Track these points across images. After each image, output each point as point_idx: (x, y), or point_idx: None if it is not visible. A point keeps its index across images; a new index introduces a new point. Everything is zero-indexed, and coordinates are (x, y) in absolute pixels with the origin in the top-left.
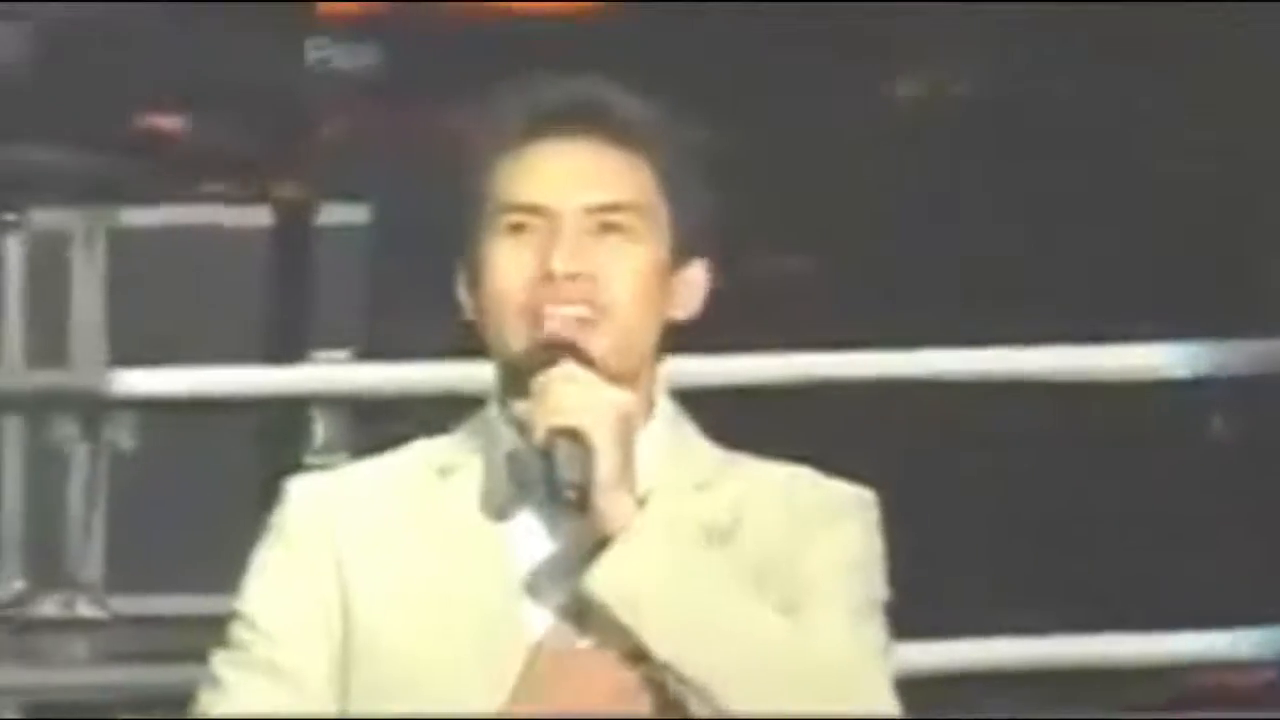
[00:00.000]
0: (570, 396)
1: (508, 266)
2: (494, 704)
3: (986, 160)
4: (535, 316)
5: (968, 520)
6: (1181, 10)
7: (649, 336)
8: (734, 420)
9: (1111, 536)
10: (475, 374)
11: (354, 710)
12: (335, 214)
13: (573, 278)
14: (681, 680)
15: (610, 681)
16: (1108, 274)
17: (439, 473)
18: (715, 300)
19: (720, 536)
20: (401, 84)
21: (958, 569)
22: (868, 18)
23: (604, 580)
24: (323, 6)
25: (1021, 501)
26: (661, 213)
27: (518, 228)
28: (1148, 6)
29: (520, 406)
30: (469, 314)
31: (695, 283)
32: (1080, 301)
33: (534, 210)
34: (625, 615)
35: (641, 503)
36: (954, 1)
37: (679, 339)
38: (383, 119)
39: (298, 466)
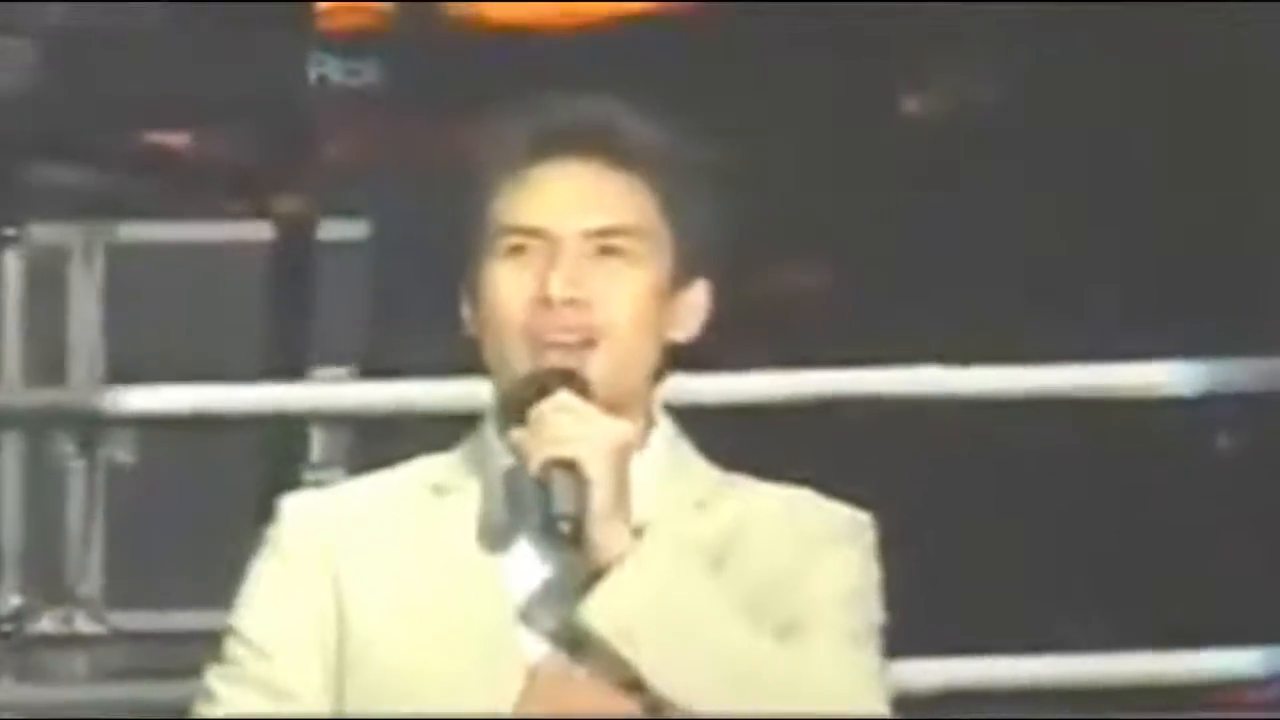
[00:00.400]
0: (566, 427)
1: (507, 289)
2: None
3: (995, 175)
4: (533, 340)
5: (972, 538)
6: (1197, 16)
7: (647, 360)
8: (744, 439)
9: (1117, 553)
10: (475, 391)
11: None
12: (335, 230)
13: (570, 303)
14: (678, 710)
15: (605, 709)
16: (1116, 289)
17: (436, 491)
18: (722, 317)
19: (717, 558)
20: (403, 99)
21: (966, 585)
22: (881, 28)
23: (599, 611)
24: (323, 20)
25: (1030, 517)
26: (663, 235)
27: (517, 250)
28: (1164, 14)
29: (516, 435)
30: (471, 330)
31: (696, 304)
32: (1091, 317)
33: (533, 233)
34: (621, 646)
35: (638, 532)
36: (969, 2)
37: (688, 355)
38: (384, 134)
39: (296, 483)
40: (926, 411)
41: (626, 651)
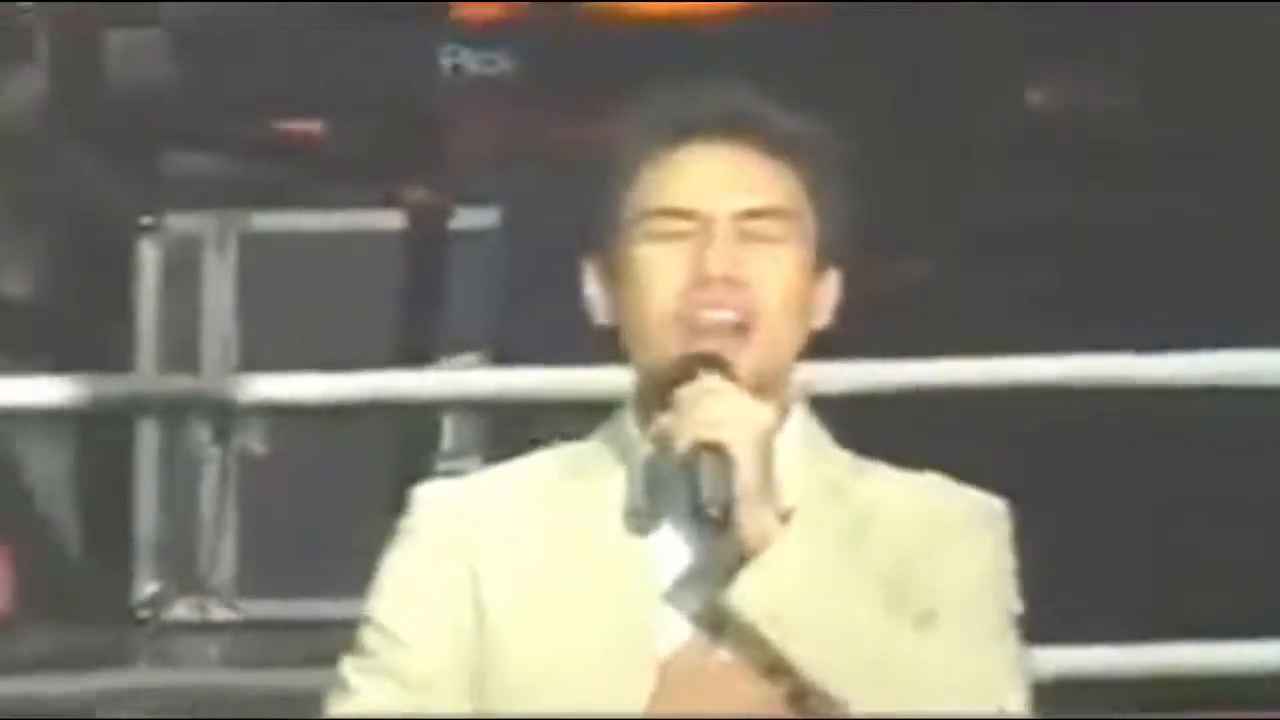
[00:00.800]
0: (715, 410)
1: (658, 272)
2: (624, 713)
3: (1114, 170)
4: (687, 323)
5: (1072, 526)
6: None
7: (793, 345)
8: (858, 426)
9: (1210, 543)
10: (608, 379)
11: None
12: (467, 218)
13: (728, 281)
14: (825, 695)
15: (748, 695)
16: (1229, 281)
17: (571, 479)
18: (848, 306)
19: (854, 546)
20: (535, 89)
21: (1062, 575)
22: (1007, 22)
23: (749, 596)
24: (458, 11)
25: (1137, 505)
26: (807, 221)
27: (668, 232)
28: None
29: (663, 419)
30: (600, 317)
31: (830, 292)
32: (1203, 309)
33: (686, 215)
34: (770, 631)
35: (783, 517)
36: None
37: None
38: (517, 124)
39: (428, 472)
40: (1032, 401)
41: (774, 635)
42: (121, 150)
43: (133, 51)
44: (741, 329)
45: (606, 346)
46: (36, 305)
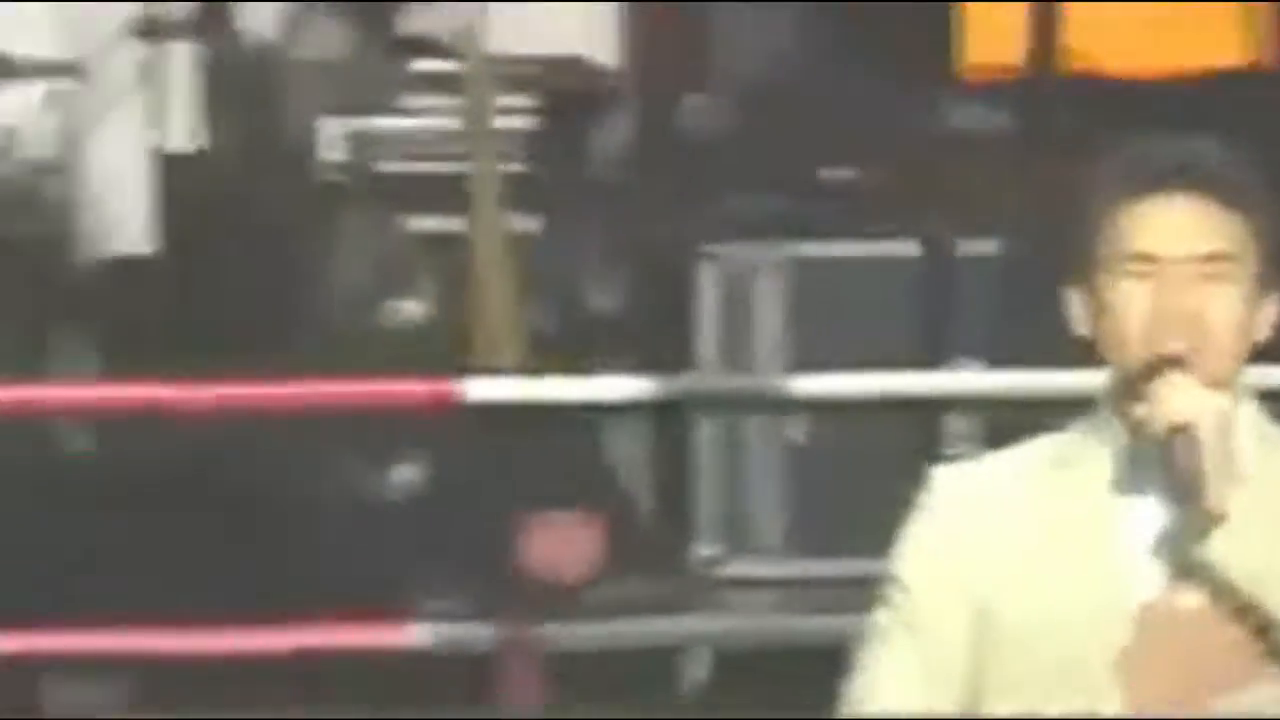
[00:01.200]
0: (1182, 400)
1: (1128, 304)
2: (1106, 665)
3: None
4: (1151, 345)
5: None
6: None
7: (1240, 360)
8: None
9: None
10: (1086, 380)
11: (988, 674)
12: (970, 247)
13: (1186, 315)
14: None
15: (1216, 635)
16: None
17: (1060, 464)
18: None
19: None
20: (1025, 138)
21: None
22: None
23: (1219, 556)
24: (963, 72)
25: None
26: (1249, 261)
27: (1137, 271)
28: None
29: (1139, 410)
30: (1081, 330)
31: (1270, 313)
32: None
33: (1151, 259)
34: (1240, 583)
35: (1242, 488)
36: None
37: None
38: (1009, 167)
39: (938, 456)
40: None
41: (1243, 586)
42: (690, 191)
43: (701, 109)
44: (1196, 353)
45: (1087, 352)
46: (619, 319)
